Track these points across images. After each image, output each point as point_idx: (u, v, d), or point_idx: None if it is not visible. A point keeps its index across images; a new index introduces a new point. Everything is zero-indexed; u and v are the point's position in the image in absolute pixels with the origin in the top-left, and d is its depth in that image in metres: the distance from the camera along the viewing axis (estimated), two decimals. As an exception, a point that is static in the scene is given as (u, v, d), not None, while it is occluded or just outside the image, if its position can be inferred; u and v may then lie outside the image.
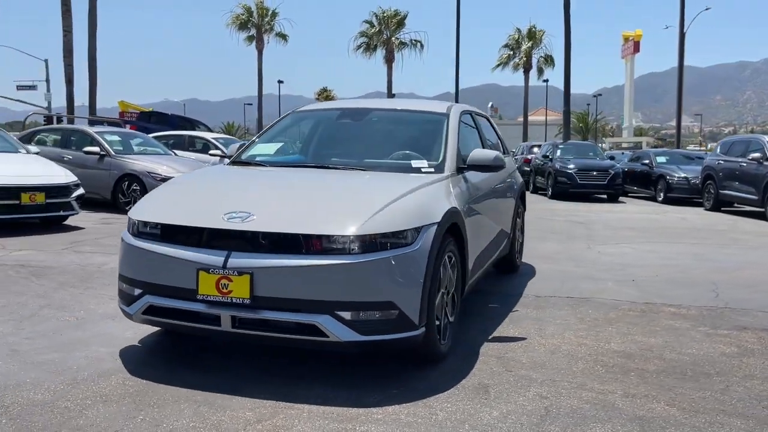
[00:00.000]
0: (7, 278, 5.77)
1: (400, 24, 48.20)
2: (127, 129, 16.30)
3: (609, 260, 7.57)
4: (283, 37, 50.75)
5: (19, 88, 49.04)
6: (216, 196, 3.74)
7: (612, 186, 17.50)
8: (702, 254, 8.19)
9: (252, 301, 3.24)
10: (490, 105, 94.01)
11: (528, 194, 19.39)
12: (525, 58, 50.20)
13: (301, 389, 3.29)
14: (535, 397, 3.29)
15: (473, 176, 4.57)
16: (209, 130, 23.68)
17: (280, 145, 4.90)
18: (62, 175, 8.79)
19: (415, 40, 49.01)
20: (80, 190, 8.97)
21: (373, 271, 3.23)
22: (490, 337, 4.33)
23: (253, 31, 49.68)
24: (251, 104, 58.69)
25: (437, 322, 3.66)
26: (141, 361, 3.69)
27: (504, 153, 6.25)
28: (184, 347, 3.98)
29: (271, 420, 2.91)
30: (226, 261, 3.27)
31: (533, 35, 50.18)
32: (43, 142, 12.23)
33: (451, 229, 3.87)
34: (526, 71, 50.63)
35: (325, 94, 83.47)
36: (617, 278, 6.48)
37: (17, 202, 8.05)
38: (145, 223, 3.59)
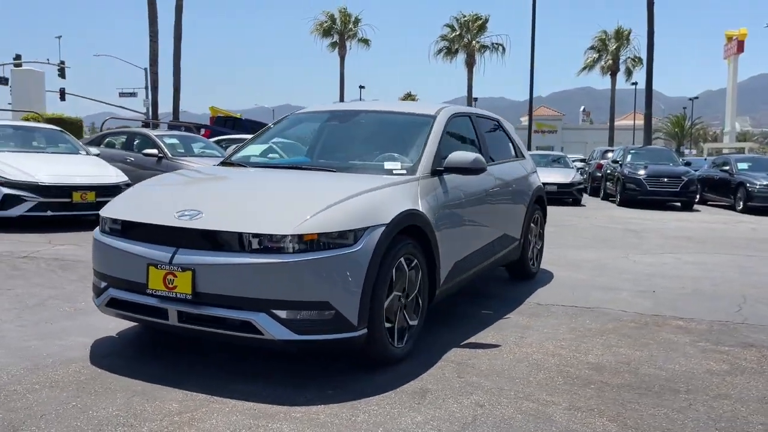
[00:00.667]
0: (37, 269, 6.19)
1: (482, 28, 47.76)
2: (199, 133, 17.02)
3: (640, 270, 7.22)
4: (365, 42, 51.45)
5: (121, 95, 52.29)
6: (176, 195, 3.87)
7: (685, 194, 16.63)
8: (749, 267, 7.66)
9: (194, 297, 3.34)
10: (582, 109, 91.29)
11: (596, 201, 18.90)
12: (612, 60, 48.55)
13: (238, 384, 3.35)
14: (470, 405, 3.21)
15: (454, 179, 4.49)
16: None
17: (266, 146, 5.00)
18: (113, 176, 9.30)
19: (496, 44, 48.44)
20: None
21: (308, 270, 3.25)
22: (463, 343, 4.24)
23: (336, 38, 50.63)
24: (335, 109, 59.97)
25: (388, 325, 3.63)
26: (108, 352, 3.86)
27: (515, 157, 6.12)
28: (153, 339, 4.14)
29: (191, 413, 2.99)
30: (172, 257, 3.38)
31: (620, 35, 48.45)
32: (111, 144, 12.97)
33: (411, 231, 3.84)
34: (613, 74, 48.96)
35: (409, 99, 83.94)
36: (638, 289, 6.18)
37: (69, 200, 8.60)
38: (111, 220, 3.77)
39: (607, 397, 3.39)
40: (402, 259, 3.73)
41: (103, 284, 3.74)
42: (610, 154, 21.22)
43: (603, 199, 19.43)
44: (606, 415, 3.15)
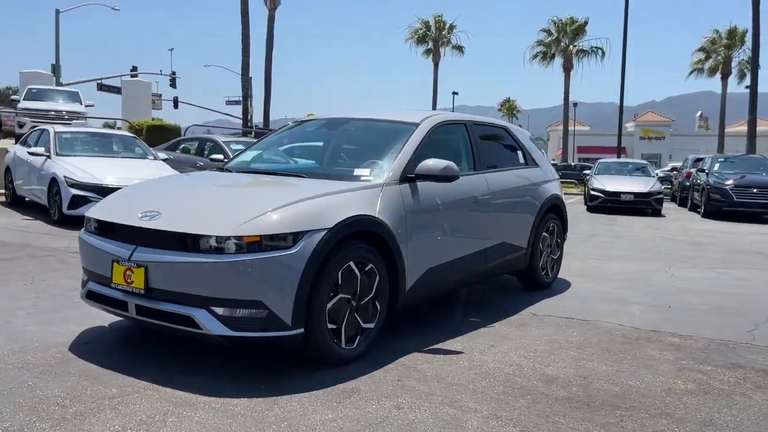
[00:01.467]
0: (79, 264, 6.77)
1: (579, 31, 46.48)
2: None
3: (671, 284, 6.90)
4: (459, 49, 51.36)
5: (228, 103, 55.05)
6: (148, 197, 4.18)
7: (777, 205, 15.50)
8: (800, 284, 7.12)
9: (146, 292, 3.62)
10: (698, 114, 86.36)
11: (681, 212, 17.95)
12: (723, 62, 45.76)
13: (183, 375, 3.59)
14: (389, 407, 3.28)
15: (429, 186, 4.54)
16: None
17: (258, 152, 5.25)
18: None
19: (595, 47, 46.96)
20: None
21: (242, 270, 3.45)
22: (426, 348, 4.29)
23: (430, 45, 50.86)
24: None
25: (333, 326, 3.75)
26: (90, 340, 4.22)
27: (524, 165, 6.04)
28: (137, 331, 4.47)
29: (123, 398, 3.25)
30: (131, 254, 3.69)
31: (734, 36, 45.55)
32: (186, 150, 13.81)
33: (365, 236, 3.95)
34: (725, 77, 46.14)
35: (508, 105, 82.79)
36: (654, 303, 5.93)
37: None
38: (92, 220, 4.13)
39: (535, 409, 3.35)
40: (351, 263, 3.84)
41: (85, 278, 4.12)
42: (701, 163, 20.10)
43: (690, 210, 18.45)
44: (520, 426, 3.13)
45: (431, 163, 4.44)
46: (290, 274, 3.51)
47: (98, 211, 4.17)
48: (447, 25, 50.73)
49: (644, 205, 16.52)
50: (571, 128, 56.36)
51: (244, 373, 3.67)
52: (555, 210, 6.41)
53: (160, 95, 53.48)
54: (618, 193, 16.47)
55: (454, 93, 53.93)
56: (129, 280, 3.68)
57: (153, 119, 28.54)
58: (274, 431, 2.95)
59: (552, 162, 18.87)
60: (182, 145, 14.06)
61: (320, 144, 5.23)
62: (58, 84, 35.70)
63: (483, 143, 5.49)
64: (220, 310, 3.48)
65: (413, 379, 3.71)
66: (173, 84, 47.13)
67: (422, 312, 5.30)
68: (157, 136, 21.87)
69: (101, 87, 39.29)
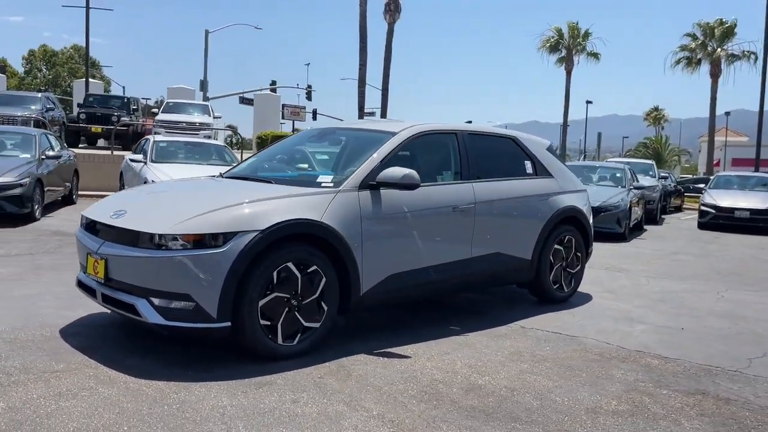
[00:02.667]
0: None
1: (728, 34, 43.04)
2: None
3: (708, 306, 6.43)
4: (595, 56, 49.41)
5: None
6: (128, 199, 4.67)
7: None
8: None
9: (106, 281, 4.09)
10: None
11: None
12: None
13: (132, 358, 3.99)
14: (286, 400, 3.47)
15: (395, 194, 4.65)
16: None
17: (254, 160, 5.61)
18: None
19: (748, 51, 43.24)
20: None
21: (174, 265, 3.80)
22: (377, 351, 4.41)
23: (563, 53, 49.41)
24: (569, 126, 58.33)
25: (267, 323, 4.00)
26: (87, 324, 4.75)
27: (532, 175, 5.93)
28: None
29: (62, 373, 3.69)
30: (99, 248, 4.18)
31: None
32: (281, 158, 14.65)
33: (310, 239, 4.17)
34: None
35: (654, 114, 78.28)
36: (667, 324, 5.59)
37: None
38: (83, 218, 4.69)
39: (428, 414, 3.39)
40: (290, 264, 4.07)
41: (79, 268, 4.69)
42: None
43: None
44: (396, 427, 3.20)
45: (391, 172, 4.56)
46: (217, 270, 3.81)
47: (89, 210, 4.72)
48: (582, 32, 49.02)
49: (762, 223, 15.10)
50: (721, 139, 52.25)
51: (190, 360, 4.00)
52: (573, 222, 6.21)
53: (304, 108, 56.40)
54: (731, 209, 15.20)
55: (588, 102, 51.95)
56: (96, 271, 4.17)
57: (280, 131, 30.27)
58: (162, 411, 3.25)
59: (692, 176, 16.83)
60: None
61: (303, 152, 5.51)
62: (205, 98, 38.90)
63: (477, 153, 5.47)
64: (156, 301, 3.86)
65: (335, 378, 3.87)
66: (309, 97, 49.57)
67: (401, 316, 5.41)
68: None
69: (242, 100, 42.25)
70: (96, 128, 20.93)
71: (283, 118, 48.42)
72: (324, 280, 4.25)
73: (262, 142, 26.34)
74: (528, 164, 5.96)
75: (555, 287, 6.09)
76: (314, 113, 50.62)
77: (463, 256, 5.19)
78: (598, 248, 10.50)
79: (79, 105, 24.80)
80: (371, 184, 4.59)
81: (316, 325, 4.26)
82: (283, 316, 4.09)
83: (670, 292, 7.08)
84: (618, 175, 13.36)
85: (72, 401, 3.31)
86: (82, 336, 4.44)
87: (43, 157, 10.84)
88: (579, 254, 6.31)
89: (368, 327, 5.11)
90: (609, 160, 18.80)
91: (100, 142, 23.33)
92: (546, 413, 3.51)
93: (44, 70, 77.50)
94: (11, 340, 4.28)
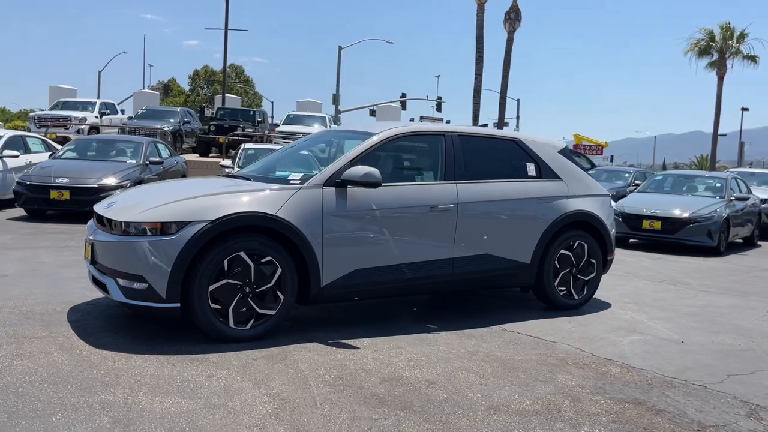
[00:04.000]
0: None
1: None
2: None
3: (742, 324, 5.93)
4: (752, 59, 45.43)
5: (494, 125, 56.57)
6: (131, 192, 5.22)
7: None
8: None
9: (92, 264, 4.66)
10: None
11: None
12: None
13: (109, 333, 4.50)
14: (200, 373, 3.79)
15: (368, 192, 4.81)
16: (592, 166, 23.69)
17: (263, 162, 5.99)
18: None
19: None
20: None
21: (130, 250, 4.28)
22: (330, 341, 4.60)
23: (714, 56, 45.93)
24: (725, 135, 54.01)
25: (218, 306, 4.35)
26: (96, 302, 5.37)
27: (535, 178, 5.82)
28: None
29: (36, 339, 4.26)
30: (92, 234, 4.77)
31: None
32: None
33: (263, 230, 4.47)
34: None
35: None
36: (668, 337, 5.26)
37: None
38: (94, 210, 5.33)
39: (323, 396, 3.56)
40: (242, 253, 4.40)
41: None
42: None
43: None
44: (281, 403, 3.40)
45: (353, 170, 4.76)
46: (167, 256, 4.22)
47: (99, 203, 5.36)
48: (736, 34, 45.30)
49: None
50: None
51: (156, 337, 4.42)
52: (585, 227, 5.99)
53: (441, 119, 57.02)
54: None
55: (744, 109, 47.75)
56: (87, 255, 4.76)
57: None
58: (88, 374, 3.68)
59: None
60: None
61: (295, 154, 5.82)
62: (336, 112, 40.67)
63: (468, 155, 5.48)
64: (121, 281, 4.35)
65: (267, 361, 4.11)
66: (438, 108, 49.99)
67: (386, 311, 5.57)
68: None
69: (372, 113, 43.61)
70: (222, 138, 22.67)
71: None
72: (279, 270, 4.53)
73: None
74: (530, 167, 5.85)
75: (562, 294, 5.91)
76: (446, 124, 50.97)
77: (444, 255, 5.23)
78: (678, 261, 9.86)
79: (210, 118, 26.97)
80: (337, 181, 4.80)
81: (271, 312, 4.54)
82: (235, 302, 4.41)
83: (713, 307, 6.57)
84: (717, 185, 12.37)
85: (24, 360, 3.85)
86: (83, 312, 5.04)
87: (147, 162, 12.07)
88: (593, 261, 6.07)
89: (343, 319, 5.33)
90: (730, 170, 17.26)
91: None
92: (443, 406, 3.54)
93: (205, 87, 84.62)
94: (26, 312, 4.96)
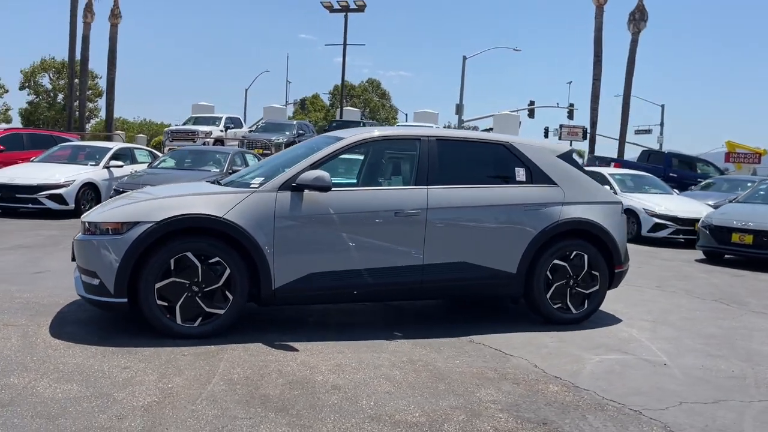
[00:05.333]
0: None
1: None
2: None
3: (760, 350, 5.21)
4: None
5: (637, 132, 53.58)
6: (120, 197, 5.60)
7: None
8: None
9: (73, 260, 5.07)
10: None
11: None
12: None
13: (73, 327, 4.87)
14: (117, 365, 4.00)
15: (325, 196, 4.84)
16: (720, 172, 21.73)
17: (250, 168, 6.16)
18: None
19: None
20: None
21: (88, 247, 4.61)
22: (276, 342, 4.64)
23: None
24: None
25: (165, 303, 4.56)
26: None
27: (524, 183, 5.52)
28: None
29: (25, 326, 4.71)
30: (77, 236, 5.19)
31: None
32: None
33: (211, 232, 4.64)
34: None
35: None
36: (655, 359, 4.78)
37: None
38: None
39: (208, 390, 3.64)
40: (189, 254, 4.59)
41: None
42: None
43: None
44: (161, 394, 3.52)
45: (306, 174, 4.80)
46: (115, 253, 4.50)
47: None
48: None
49: None
50: None
51: (117, 333, 4.71)
52: (585, 236, 5.58)
53: (583, 127, 54.92)
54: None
55: None
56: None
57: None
58: (27, 359, 4.02)
59: None
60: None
61: (274, 157, 5.94)
62: (460, 121, 40.63)
63: (447, 159, 5.30)
64: (83, 277, 4.70)
65: (195, 358, 4.23)
66: (570, 116, 48.23)
67: (355, 316, 5.58)
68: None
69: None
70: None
71: (560, 138, 47.79)
72: (228, 271, 4.66)
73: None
74: (520, 172, 5.54)
75: (556, 307, 5.53)
76: (584, 132, 49.01)
77: (413, 262, 5.10)
78: (761, 279, 8.80)
79: (325, 130, 28.04)
80: (293, 185, 4.86)
81: (220, 312, 4.68)
82: (182, 300, 4.60)
83: (746, 329, 5.84)
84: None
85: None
86: (77, 305, 5.46)
87: (230, 171, 12.79)
88: (595, 273, 5.62)
89: (313, 322, 5.38)
90: None
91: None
92: (322, 411, 3.48)
93: (344, 102, 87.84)
94: (30, 303, 5.45)
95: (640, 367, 4.54)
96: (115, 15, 31.21)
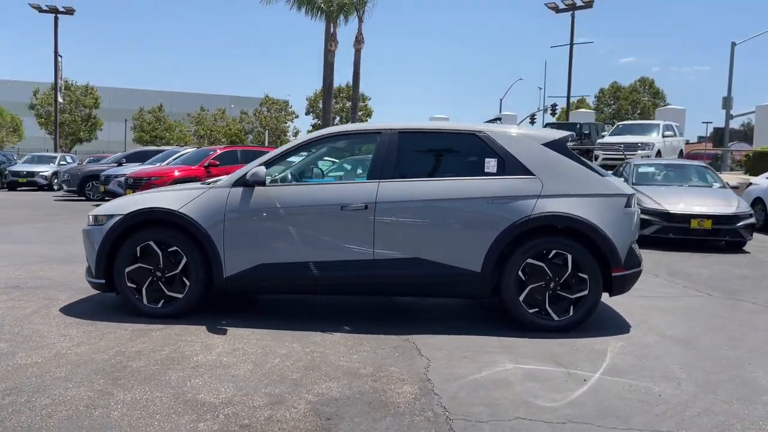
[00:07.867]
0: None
1: None
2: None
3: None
4: None
5: None
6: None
7: None
8: None
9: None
10: None
11: None
12: None
13: (88, 304, 5.80)
14: (72, 333, 4.74)
15: (274, 191, 5.13)
16: None
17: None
18: (732, 206, 10.42)
19: None
20: (750, 219, 10.31)
21: (86, 236, 5.48)
22: (219, 326, 4.99)
23: None
24: None
25: (134, 286, 5.23)
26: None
27: (493, 175, 5.08)
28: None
29: (37, 299, 5.79)
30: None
31: None
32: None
33: (169, 224, 5.20)
34: None
35: None
36: (635, 381, 4.05)
37: (686, 225, 10.27)
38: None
39: (80, 367, 4.14)
40: (151, 243, 5.20)
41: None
42: None
43: None
44: (80, 358, 4.15)
45: (251, 171, 5.10)
46: (96, 241, 5.30)
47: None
48: None
49: None
50: None
51: (117, 310, 5.55)
52: (568, 233, 4.92)
53: None
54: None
55: None
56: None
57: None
58: (28, 325, 4.97)
59: None
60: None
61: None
62: (728, 116, 35.95)
63: (407, 152, 5.13)
64: (87, 262, 5.62)
65: (129, 333, 4.76)
66: None
67: (316, 310, 5.67)
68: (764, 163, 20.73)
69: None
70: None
71: None
72: (184, 259, 5.17)
73: (762, 157, 23.14)
74: (490, 162, 5.08)
75: (532, 312, 4.97)
76: None
77: (361, 257, 5.05)
78: None
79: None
80: (244, 181, 5.20)
81: (179, 295, 5.21)
82: (147, 283, 5.23)
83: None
84: None
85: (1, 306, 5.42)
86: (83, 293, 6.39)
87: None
88: (583, 275, 4.91)
89: (272, 310, 5.71)
90: None
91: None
92: (127, 381, 3.78)
93: (612, 104, 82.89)
94: (59, 281, 6.57)
95: (566, 380, 3.93)
96: (358, 41, 34.04)
